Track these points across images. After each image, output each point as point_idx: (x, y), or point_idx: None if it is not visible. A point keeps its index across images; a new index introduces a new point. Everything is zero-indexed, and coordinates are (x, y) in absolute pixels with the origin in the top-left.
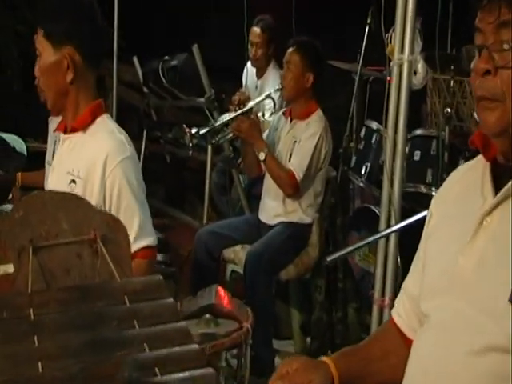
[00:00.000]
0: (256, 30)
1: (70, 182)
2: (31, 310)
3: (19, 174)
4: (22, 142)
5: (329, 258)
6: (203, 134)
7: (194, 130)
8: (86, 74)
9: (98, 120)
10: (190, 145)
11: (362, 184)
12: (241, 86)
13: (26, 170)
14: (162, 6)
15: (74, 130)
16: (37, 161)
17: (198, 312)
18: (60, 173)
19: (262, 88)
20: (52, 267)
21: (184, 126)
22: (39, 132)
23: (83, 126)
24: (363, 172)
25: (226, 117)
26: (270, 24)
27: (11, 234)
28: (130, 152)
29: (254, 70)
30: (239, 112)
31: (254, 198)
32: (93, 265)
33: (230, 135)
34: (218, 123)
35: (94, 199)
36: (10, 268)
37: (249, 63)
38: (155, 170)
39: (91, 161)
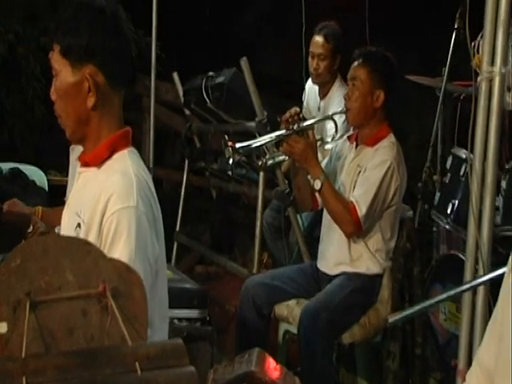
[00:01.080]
0: (318, 39)
1: (77, 226)
2: (24, 379)
3: (39, 208)
4: (42, 174)
5: (391, 319)
6: (248, 150)
7: (238, 144)
8: (111, 97)
9: (117, 155)
10: (231, 161)
11: (447, 226)
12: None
13: (48, 206)
14: (206, 15)
15: (86, 165)
16: (60, 196)
17: (233, 381)
18: (71, 213)
19: (326, 110)
20: (52, 326)
21: (226, 137)
22: (63, 163)
23: (98, 162)
24: (449, 211)
25: (280, 134)
26: (336, 32)
27: (6, 285)
28: (136, 201)
29: (317, 88)
30: (293, 130)
31: (315, 242)
32: (101, 324)
33: (281, 157)
34: (267, 140)
35: None
36: (2, 327)
37: (309, 81)
38: (199, 208)
39: (95, 203)
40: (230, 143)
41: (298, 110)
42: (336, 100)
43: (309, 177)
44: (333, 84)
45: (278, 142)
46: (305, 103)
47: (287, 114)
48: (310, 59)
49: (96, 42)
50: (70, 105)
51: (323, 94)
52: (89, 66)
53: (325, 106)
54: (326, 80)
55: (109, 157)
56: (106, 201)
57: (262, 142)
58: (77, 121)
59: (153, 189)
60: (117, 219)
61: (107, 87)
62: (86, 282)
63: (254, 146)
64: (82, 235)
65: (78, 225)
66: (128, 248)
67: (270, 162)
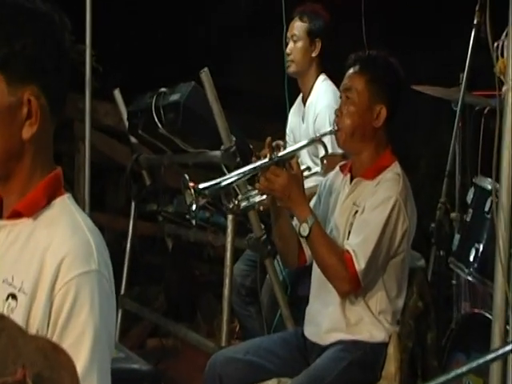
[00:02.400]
0: (294, 21)
1: (8, 297)
2: None
3: None
4: None
5: None
6: (215, 191)
7: (202, 185)
8: (49, 126)
9: (57, 202)
10: (194, 207)
11: (470, 278)
12: (282, 132)
13: None
14: (158, 15)
15: (17, 215)
16: None
17: None
18: None
19: (309, 112)
20: None
21: (186, 176)
22: None
23: (33, 211)
24: (472, 259)
25: (254, 166)
26: (314, 12)
27: None
28: (98, 264)
29: (302, 108)
30: (272, 161)
31: (301, 303)
32: None
33: (258, 196)
34: (239, 175)
35: (36, 324)
36: None
37: (295, 105)
38: (151, 264)
39: (38, 268)
40: (191, 184)
41: (281, 143)
42: (320, 99)
43: (294, 221)
44: (315, 79)
45: (253, 177)
46: (288, 131)
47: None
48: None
49: (45, 56)
50: (2, 133)
51: (305, 95)
52: (31, 87)
53: (308, 109)
54: (303, 69)
55: (46, 204)
56: (58, 264)
57: (233, 179)
58: (5, 155)
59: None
60: (75, 288)
61: (47, 114)
62: (1, 368)
63: (222, 184)
64: (21, 309)
65: (12, 296)
66: (92, 323)
67: (243, 203)
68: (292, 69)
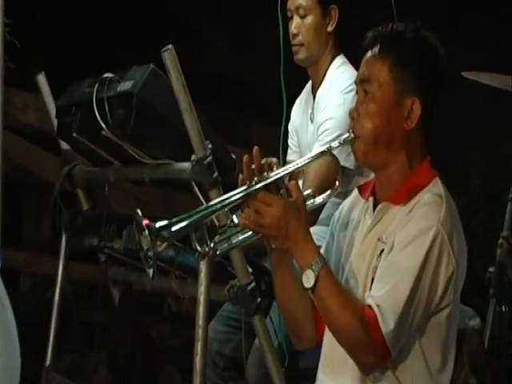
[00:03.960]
0: None
1: None
2: None
3: None
4: None
5: None
6: (179, 230)
7: (160, 223)
8: None
9: None
10: (151, 254)
11: None
12: (278, 136)
13: None
14: None
15: None
16: None
17: None
18: None
19: (317, 114)
20: None
21: (138, 212)
22: None
23: None
24: None
25: (234, 194)
26: None
27: None
28: None
29: (310, 101)
30: (261, 184)
31: (302, 380)
32: None
33: (244, 235)
34: (216, 206)
35: None
36: None
37: (299, 99)
38: (89, 323)
39: None
40: (145, 222)
41: (274, 161)
42: (335, 86)
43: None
44: (330, 62)
45: (237, 206)
46: (291, 131)
47: (256, 157)
48: (289, 26)
49: None
50: None
51: (315, 84)
52: None
53: (318, 102)
54: (317, 53)
55: None
56: None
57: (206, 212)
58: None
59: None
60: None
61: None
62: None
63: (189, 222)
64: None
65: None
66: None
67: (222, 246)
68: (301, 55)
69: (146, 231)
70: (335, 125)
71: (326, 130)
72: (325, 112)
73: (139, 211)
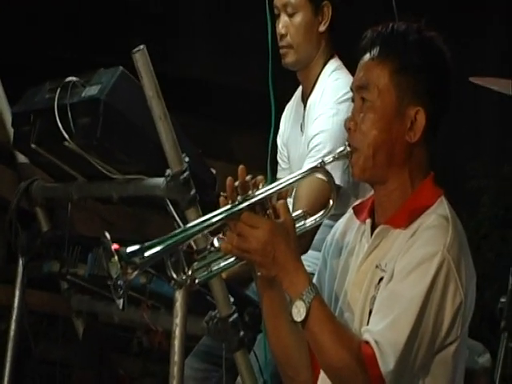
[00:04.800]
0: None
1: None
2: None
3: None
4: None
5: None
6: (152, 257)
7: (131, 248)
8: None
9: None
10: (120, 283)
11: None
12: (264, 147)
13: None
14: None
15: None
16: None
17: None
18: None
19: (307, 124)
20: None
21: (106, 235)
22: None
23: None
24: None
25: (214, 215)
26: None
27: None
28: None
29: (301, 109)
30: (245, 204)
31: None
32: None
33: (225, 262)
34: (194, 229)
35: None
36: None
37: (296, 95)
38: (48, 360)
39: None
40: (114, 246)
41: (260, 178)
42: (328, 94)
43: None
44: (323, 66)
45: (218, 228)
46: (280, 144)
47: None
48: (276, 25)
49: None
50: None
51: (306, 90)
52: None
53: (309, 111)
54: (308, 55)
55: None
56: None
57: (182, 236)
58: None
59: None
60: None
61: None
62: None
63: (163, 248)
64: None
65: None
66: None
67: (201, 274)
68: (290, 58)
69: (116, 257)
70: (327, 138)
71: (317, 145)
72: (316, 124)
73: (107, 234)
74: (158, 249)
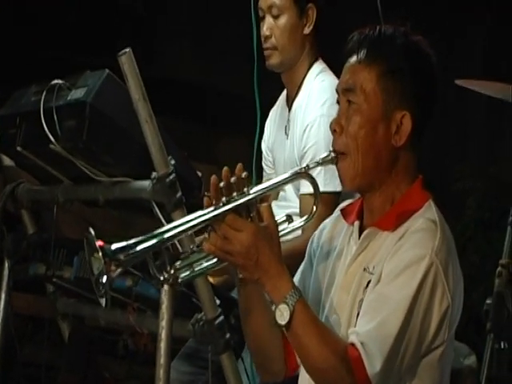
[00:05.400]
0: None
1: None
2: None
3: None
4: None
5: None
6: (136, 254)
7: (116, 245)
8: None
9: None
10: (104, 279)
11: None
12: (250, 149)
13: None
14: None
15: None
16: None
17: None
18: None
19: (293, 128)
20: None
21: (91, 231)
22: None
23: None
24: None
25: (199, 215)
26: None
27: None
28: None
29: (285, 114)
30: (229, 206)
31: None
32: None
33: (208, 262)
34: (180, 228)
35: None
36: None
37: (280, 99)
38: (34, 364)
39: None
40: (99, 243)
41: (244, 174)
42: (314, 98)
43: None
44: (308, 69)
45: (202, 230)
46: (264, 149)
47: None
48: (261, 27)
49: None
50: None
51: (290, 93)
52: None
53: (294, 115)
54: (291, 57)
55: None
56: None
57: (166, 237)
58: None
59: None
60: None
61: None
62: None
63: (148, 246)
64: None
65: None
66: None
67: (184, 274)
68: (275, 60)
69: (100, 253)
70: (318, 149)
71: (312, 159)
72: (306, 137)
73: (91, 230)
74: (143, 246)
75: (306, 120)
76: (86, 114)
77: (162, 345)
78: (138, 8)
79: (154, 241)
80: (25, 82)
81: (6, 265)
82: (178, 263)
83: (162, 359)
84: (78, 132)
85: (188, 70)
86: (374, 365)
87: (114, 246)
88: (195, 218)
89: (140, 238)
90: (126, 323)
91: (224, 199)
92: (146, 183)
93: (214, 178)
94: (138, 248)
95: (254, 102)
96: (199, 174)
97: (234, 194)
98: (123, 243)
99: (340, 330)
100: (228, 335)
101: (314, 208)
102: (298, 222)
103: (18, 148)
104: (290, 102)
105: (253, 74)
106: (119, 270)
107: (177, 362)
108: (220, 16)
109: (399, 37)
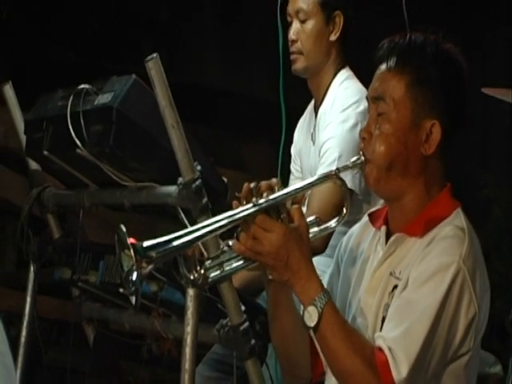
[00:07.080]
0: None
1: None
2: None
3: None
4: None
5: None
6: (167, 252)
7: (147, 243)
8: None
9: None
10: (134, 276)
11: None
12: (275, 156)
13: None
14: None
15: None
16: None
17: None
18: None
19: (318, 134)
20: None
21: (122, 228)
22: None
23: None
24: None
25: (228, 215)
26: None
27: None
28: None
29: (312, 124)
30: (259, 206)
31: None
32: None
33: (237, 263)
34: (207, 230)
35: None
36: None
37: (309, 107)
38: (59, 367)
39: None
40: (130, 240)
41: (275, 181)
42: (338, 103)
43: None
44: (334, 76)
45: (230, 231)
46: (293, 153)
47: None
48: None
49: None
50: None
51: (317, 101)
52: None
53: (319, 121)
54: (317, 63)
55: None
56: None
57: (197, 236)
58: None
59: None
60: None
61: None
62: None
63: (180, 243)
64: None
65: None
66: None
67: (213, 274)
68: (300, 64)
69: (131, 250)
70: (335, 144)
71: (326, 151)
72: (326, 132)
73: (123, 227)
74: (175, 244)
75: (328, 120)
76: (113, 119)
77: (188, 350)
78: (163, 15)
79: (185, 239)
80: (51, 87)
81: (32, 269)
82: (208, 262)
83: (187, 364)
84: (105, 137)
85: (214, 75)
86: (400, 370)
87: (146, 244)
88: (225, 218)
89: (171, 236)
90: (150, 328)
91: (254, 200)
92: (172, 189)
93: (246, 184)
94: (170, 246)
95: (279, 108)
96: (225, 179)
97: (264, 194)
98: (154, 240)
99: (366, 333)
100: (253, 341)
101: (345, 209)
102: (328, 223)
103: (45, 152)
104: (316, 109)
105: (278, 80)
106: (150, 267)
107: (202, 367)
108: (246, 22)
109: (429, 45)
